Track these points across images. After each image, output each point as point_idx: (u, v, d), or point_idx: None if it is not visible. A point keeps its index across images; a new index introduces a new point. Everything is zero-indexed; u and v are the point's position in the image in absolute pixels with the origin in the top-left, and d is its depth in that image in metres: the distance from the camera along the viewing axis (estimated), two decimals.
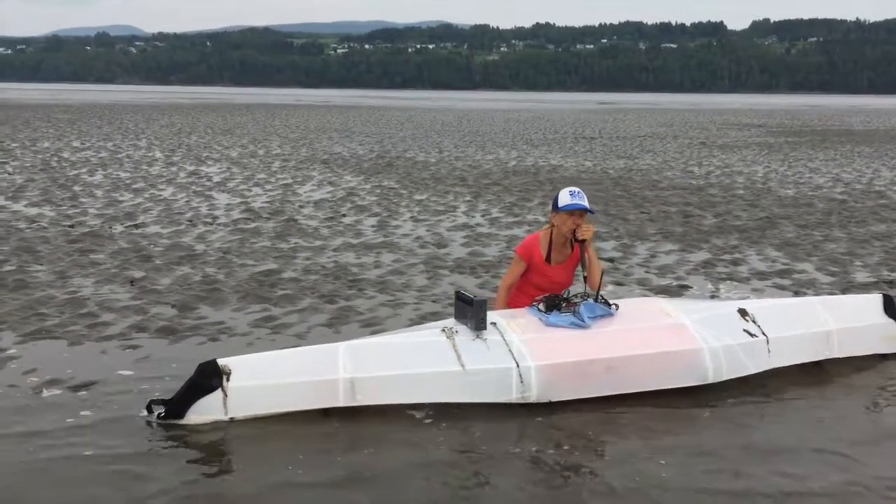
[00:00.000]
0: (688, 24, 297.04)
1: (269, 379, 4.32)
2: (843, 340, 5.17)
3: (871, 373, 5.17)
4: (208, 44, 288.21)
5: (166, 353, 5.34)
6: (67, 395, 4.58)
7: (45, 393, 4.59)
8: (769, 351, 4.93)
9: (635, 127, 36.56)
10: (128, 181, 14.08)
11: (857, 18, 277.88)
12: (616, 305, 4.96)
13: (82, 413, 4.32)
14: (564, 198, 4.93)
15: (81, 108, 47.49)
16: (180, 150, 20.53)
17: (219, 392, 4.23)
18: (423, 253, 8.59)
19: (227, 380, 4.24)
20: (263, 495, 3.53)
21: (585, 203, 4.91)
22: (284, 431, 4.14)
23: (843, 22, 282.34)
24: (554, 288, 5.02)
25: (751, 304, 5.21)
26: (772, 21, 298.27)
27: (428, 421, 4.32)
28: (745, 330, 4.94)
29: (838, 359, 5.19)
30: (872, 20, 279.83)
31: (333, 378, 4.32)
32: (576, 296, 4.95)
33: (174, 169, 16.20)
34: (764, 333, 4.95)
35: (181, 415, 4.21)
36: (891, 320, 5.37)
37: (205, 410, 4.22)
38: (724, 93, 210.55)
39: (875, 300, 5.44)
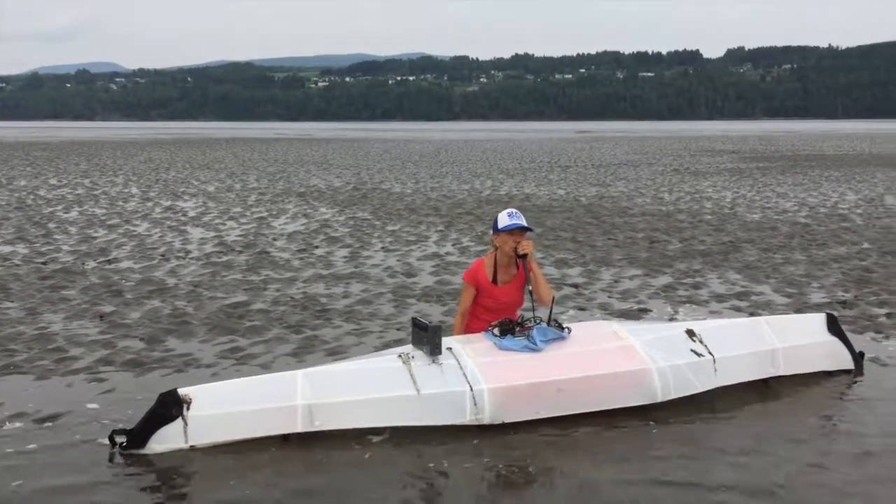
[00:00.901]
0: (664, 52, 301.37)
1: (228, 407, 4.44)
2: (788, 358, 5.36)
3: (816, 389, 5.35)
4: (189, 79, 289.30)
5: (132, 386, 5.44)
6: (31, 426, 4.67)
7: (7, 426, 4.68)
8: (716, 370, 5.10)
9: (610, 155, 37.04)
10: (103, 217, 14.17)
11: (830, 45, 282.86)
12: (569, 329, 5.13)
13: (44, 443, 4.42)
14: (503, 219, 5.15)
15: (60, 146, 47.49)
16: (157, 186, 20.64)
17: (179, 421, 4.34)
18: (391, 282, 8.74)
19: (188, 409, 4.35)
20: None
21: (523, 222, 5.14)
22: (244, 458, 4.25)
23: (816, 49, 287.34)
24: (504, 308, 5.19)
25: (698, 325, 5.39)
26: (746, 49, 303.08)
27: (385, 444, 4.44)
28: (692, 350, 5.12)
29: (784, 376, 5.38)
30: (845, 46, 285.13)
31: (292, 405, 4.45)
32: (529, 320, 5.11)
33: (150, 204, 16.31)
34: (711, 353, 5.13)
35: (143, 444, 4.31)
36: (834, 338, 5.57)
37: (166, 439, 4.32)
38: (702, 120, 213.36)
39: (819, 319, 5.64)
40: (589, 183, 21.45)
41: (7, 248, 10.91)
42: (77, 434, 4.56)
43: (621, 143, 51.06)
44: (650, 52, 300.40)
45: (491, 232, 5.34)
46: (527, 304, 5.23)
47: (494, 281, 5.26)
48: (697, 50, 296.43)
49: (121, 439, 4.35)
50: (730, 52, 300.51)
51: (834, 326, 5.60)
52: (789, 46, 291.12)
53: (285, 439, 4.43)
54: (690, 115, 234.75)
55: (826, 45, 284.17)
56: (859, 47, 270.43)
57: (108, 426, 4.57)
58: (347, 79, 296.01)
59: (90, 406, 5.03)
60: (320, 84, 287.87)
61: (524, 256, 5.11)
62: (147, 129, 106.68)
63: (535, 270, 5.18)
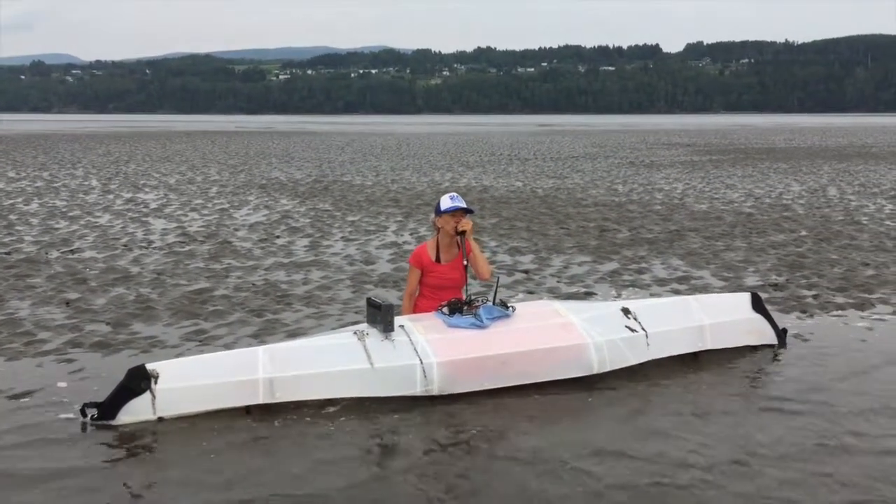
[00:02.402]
0: (625, 46, 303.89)
1: (194, 381, 4.74)
2: (715, 334, 5.80)
3: (741, 362, 5.80)
4: (148, 71, 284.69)
5: (100, 366, 5.71)
6: (3, 402, 4.94)
7: None
8: (648, 344, 5.53)
9: (569, 148, 37.66)
10: (64, 209, 14.27)
11: (787, 40, 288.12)
12: (513, 308, 5.52)
13: (17, 417, 4.69)
14: (446, 202, 5.57)
15: (16, 139, 46.82)
16: (118, 178, 20.67)
17: (147, 394, 4.64)
18: (350, 270, 9.07)
19: (155, 382, 4.66)
20: (189, 486, 3.92)
21: (464, 203, 5.57)
22: (209, 428, 4.56)
23: (773, 43, 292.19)
24: (449, 285, 5.58)
25: (633, 304, 5.81)
26: (705, 43, 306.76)
27: (342, 414, 4.78)
28: (626, 326, 5.54)
29: (713, 350, 5.82)
30: (801, 41, 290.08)
31: (254, 378, 4.78)
32: (476, 299, 5.49)
33: (111, 196, 16.40)
34: (644, 329, 5.56)
35: (113, 416, 4.61)
36: (759, 315, 6.03)
37: (135, 411, 4.62)
38: (662, 114, 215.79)
39: (744, 298, 6.10)
40: (546, 175, 21.93)
41: None
42: (49, 408, 4.84)
43: (581, 137, 51.79)
44: (611, 45, 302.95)
45: (433, 215, 5.72)
46: (480, 287, 5.60)
47: (438, 260, 5.64)
48: (657, 44, 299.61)
49: (92, 412, 4.63)
50: (689, 47, 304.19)
51: (758, 305, 6.06)
52: (747, 41, 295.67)
53: (248, 411, 4.75)
54: (651, 109, 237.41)
55: (783, 40, 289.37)
56: (815, 42, 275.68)
57: (79, 401, 4.84)
58: (309, 71, 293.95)
59: (60, 384, 5.29)
60: (281, 77, 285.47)
61: (463, 234, 5.50)
62: (105, 121, 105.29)
63: (473, 247, 5.57)
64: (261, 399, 4.76)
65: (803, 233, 11.56)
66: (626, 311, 5.65)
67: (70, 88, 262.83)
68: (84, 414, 4.65)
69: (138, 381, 4.64)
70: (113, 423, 4.58)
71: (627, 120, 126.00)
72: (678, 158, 29.68)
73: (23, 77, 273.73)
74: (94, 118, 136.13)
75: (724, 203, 15.23)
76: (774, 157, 29.93)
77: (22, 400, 5.00)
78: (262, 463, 4.17)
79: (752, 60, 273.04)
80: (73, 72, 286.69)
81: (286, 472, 4.06)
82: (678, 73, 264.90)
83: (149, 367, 4.68)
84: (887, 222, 12.67)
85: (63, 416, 4.74)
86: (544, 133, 60.56)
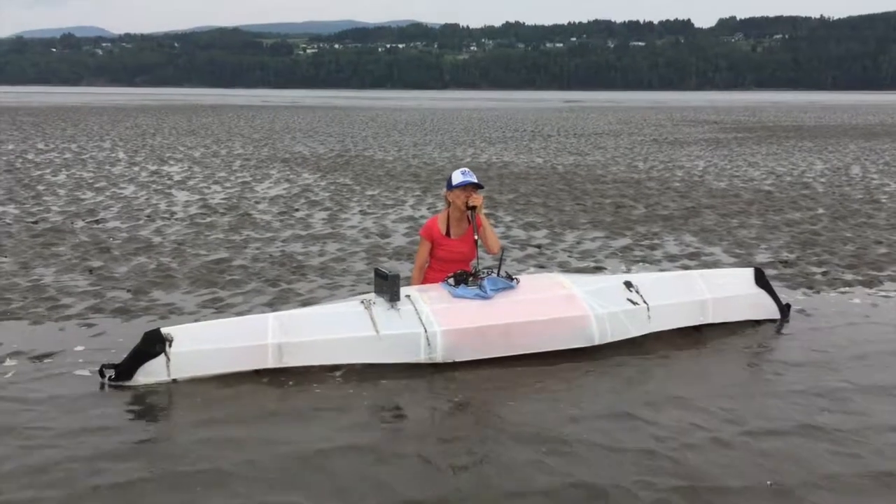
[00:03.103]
0: (656, 21, 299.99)
1: (207, 345, 4.95)
2: (717, 308, 5.91)
3: (743, 336, 5.89)
4: (176, 45, 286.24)
5: (120, 330, 5.94)
6: (27, 363, 5.18)
7: (7, 362, 5.19)
8: (650, 317, 5.65)
9: (594, 124, 37.49)
10: (90, 181, 14.58)
11: (822, 15, 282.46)
12: (517, 279, 5.65)
13: (40, 377, 4.93)
14: (457, 177, 5.68)
15: (46, 111, 47.48)
16: (143, 151, 21.00)
17: (162, 357, 4.85)
18: (366, 242, 9.24)
19: (170, 346, 4.86)
20: (199, 444, 4.13)
21: (475, 179, 5.67)
22: (221, 390, 4.77)
23: (807, 19, 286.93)
24: (458, 258, 5.72)
25: (636, 277, 5.93)
26: (738, 18, 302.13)
27: (347, 379, 4.97)
28: (628, 299, 5.66)
29: (718, 324, 5.92)
30: (836, 17, 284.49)
31: (263, 343, 4.97)
32: (482, 271, 5.63)
33: (136, 169, 16.71)
34: (645, 302, 5.68)
35: (129, 377, 4.83)
36: (761, 290, 6.12)
37: (150, 373, 4.84)
38: (692, 90, 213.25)
39: (748, 273, 6.18)
40: (568, 152, 21.93)
41: None
42: (69, 369, 5.07)
43: (607, 113, 51.45)
44: (641, 21, 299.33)
45: (445, 189, 5.85)
46: (489, 261, 5.73)
47: (448, 234, 5.78)
48: (689, 19, 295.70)
49: (110, 372, 4.86)
50: (721, 22, 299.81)
51: (761, 280, 6.14)
52: (781, 16, 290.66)
53: (257, 374, 4.95)
54: (681, 86, 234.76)
55: (818, 16, 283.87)
56: (850, 18, 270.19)
57: (98, 363, 5.07)
58: (336, 46, 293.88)
59: (80, 347, 5.53)
60: (309, 51, 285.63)
61: (474, 208, 5.62)
62: (133, 94, 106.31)
63: (483, 222, 5.69)
64: (270, 363, 4.96)
65: (820, 211, 11.55)
66: (628, 285, 5.77)
67: (99, 61, 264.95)
68: (102, 374, 4.87)
69: (153, 344, 4.85)
70: (129, 383, 4.80)
71: (656, 96, 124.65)
72: (703, 136, 29.48)
73: (53, 50, 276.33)
74: (123, 91, 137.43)
75: (743, 181, 15.19)
76: (801, 135, 29.62)
77: (45, 360, 5.24)
78: (270, 425, 4.35)
79: (786, 36, 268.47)
80: (103, 45, 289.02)
81: (293, 434, 4.23)
82: (710, 49, 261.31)
83: (163, 330, 4.89)
84: None
85: (81, 374, 4.97)
86: (570, 109, 60.21)
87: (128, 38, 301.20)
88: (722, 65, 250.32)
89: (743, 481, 3.70)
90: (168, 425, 4.37)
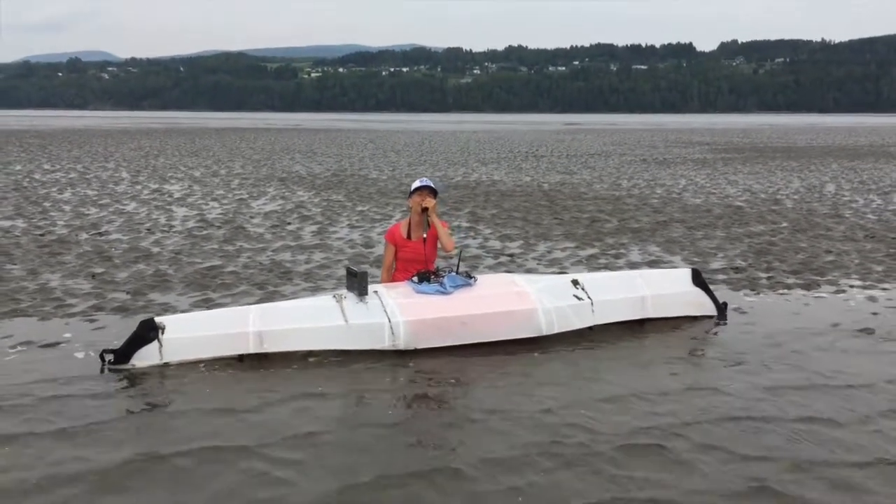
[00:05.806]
0: (658, 45, 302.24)
1: (195, 332, 5.60)
2: (656, 304, 6.55)
3: (681, 331, 6.52)
4: (182, 69, 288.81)
5: (119, 325, 6.59)
6: (36, 350, 5.84)
7: (19, 348, 5.86)
8: (593, 311, 6.30)
9: (587, 146, 38.26)
10: (94, 198, 15.30)
11: (823, 39, 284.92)
12: (475, 278, 6.32)
13: (47, 362, 5.59)
14: (415, 184, 6.45)
15: (52, 134, 48.46)
16: (146, 171, 21.76)
17: (156, 343, 5.51)
18: (350, 252, 9.91)
19: (163, 333, 5.52)
20: (191, 419, 4.73)
21: (431, 183, 6.43)
22: (208, 372, 5.41)
23: (808, 42, 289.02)
24: (419, 258, 6.38)
25: (583, 276, 6.59)
26: (740, 42, 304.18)
27: (320, 364, 5.61)
28: (574, 295, 6.32)
29: (659, 319, 6.55)
30: (838, 40, 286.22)
31: (245, 331, 5.63)
32: (443, 270, 6.30)
33: (139, 187, 17.44)
34: (589, 297, 6.33)
35: (126, 360, 5.48)
36: (697, 289, 6.76)
37: (145, 357, 5.49)
38: (695, 113, 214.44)
39: (685, 273, 6.83)
40: (556, 171, 22.64)
41: (7, 223, 12.04)
42: (74, 355, 5.73)
43: (603, 135, 52.28)
44: (644, 44, 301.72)
45: (407, 198, 6.54)
46: (451, 261, 6.39)
47: (409, 237, 6.45)
48: (691, 43, 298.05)
49: (109, 357, 5.51)
50: (723, 46, 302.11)
51: (698, 279, 6.79)
52: (782, 40, 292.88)
53: (240, 359, 5.59)
54: (684, 108, 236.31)
55: (819, 39, 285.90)
56: (851, 42, 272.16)
57: (99, 350, 5.71)
58: (341, 69, 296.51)
59: (85, 338, 6.19)
60: (313, 75, 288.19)
61: (426, 210, 6.30)
62: (138, 118, 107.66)
63: (435, 222, 6.36)
64: (251, 349, 5.61)
65: (783, 224, 12.20)
66: (575, 282, 6.43)
67: (105, 85, 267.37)
68: (102, 359, 5.52)
69: (148, 331, 5.51)
70: (126, 366, 5.45)
71: (657, 119, 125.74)
72: (691, 156, 30.20)
73: (60, 74, 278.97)
74: (129, 115, 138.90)
75: (718, 198, 15.87)
76: (788, 156, 30.32)
77: (51, 349, 5.89)
78: (251, 405, 4.91)
79: (788, 59, 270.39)
80: (109, 69, 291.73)
81: (271, 414, 4.75)
82: (711, 72, 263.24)
83: (157, 319, 5.56)
84: (869, 215, 13.26)
85: (83, 358, 5.62)
86: (568, 132, 61.09)
87: (133, 62, 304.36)
88: (724, 88, 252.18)
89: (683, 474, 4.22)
90: (159, 405, 4.98)
